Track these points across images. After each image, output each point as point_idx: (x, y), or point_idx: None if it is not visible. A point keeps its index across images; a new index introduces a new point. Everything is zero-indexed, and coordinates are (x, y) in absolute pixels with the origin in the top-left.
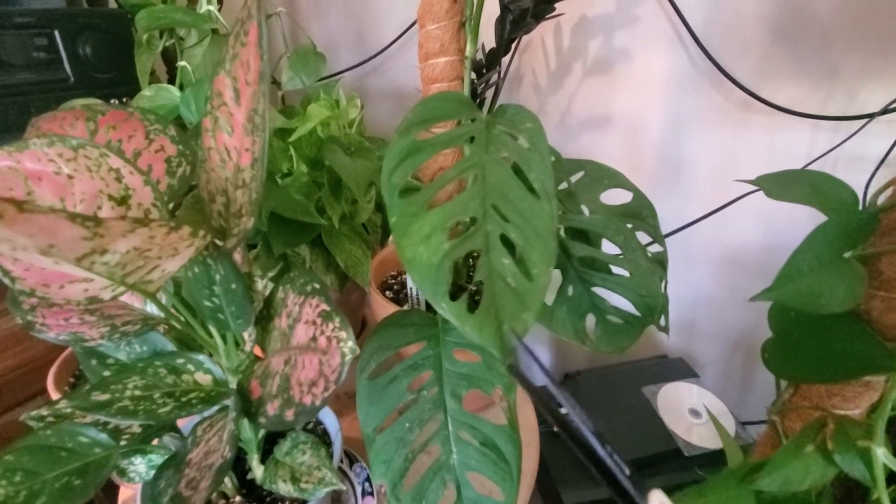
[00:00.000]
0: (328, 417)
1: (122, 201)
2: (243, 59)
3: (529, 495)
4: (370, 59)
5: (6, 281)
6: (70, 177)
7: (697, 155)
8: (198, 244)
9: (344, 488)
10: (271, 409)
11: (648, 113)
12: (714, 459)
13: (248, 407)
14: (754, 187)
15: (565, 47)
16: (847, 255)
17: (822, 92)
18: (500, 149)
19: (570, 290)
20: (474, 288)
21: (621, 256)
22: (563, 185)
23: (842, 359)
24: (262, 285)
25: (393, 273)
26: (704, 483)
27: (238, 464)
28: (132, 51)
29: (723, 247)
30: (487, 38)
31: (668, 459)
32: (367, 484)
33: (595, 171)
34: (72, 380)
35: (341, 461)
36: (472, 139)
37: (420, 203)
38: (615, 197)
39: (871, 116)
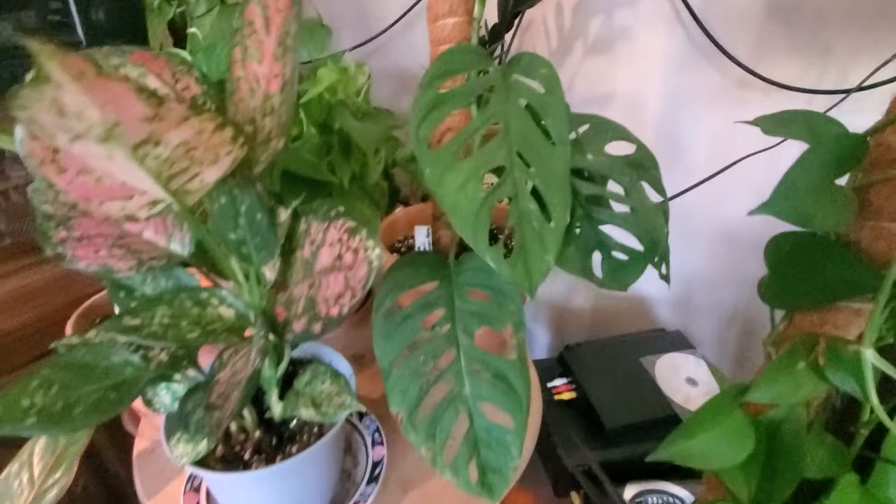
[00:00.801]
0: (341, 363)
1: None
2: None
3: (530, 458)
4: (373, 38)
5: (48, 195)
6: None
7: (696, 131)
8: (236, 153)
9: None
10: (298, 326)
11: (648, 91)
12: None
13: (275, 328)
14: (752, 152)
15: (566, 26)
16: (838, 182)
17: (816, 68)
18: (518, 96)
19: (578, 229)
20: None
21: (626, 196)
22: (571, 136)
23: (833, 284)
24: (285, 217)
25: (400, 237)
26: (695, 415)
27: (256, 404)
28: (143, 17)
29: (720, 223)
30: (491, 14)
31: (667, 425)
32: (376, 435)
33: (600, 124)
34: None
35: (350, 415)
36: (491, 88)
37: (450, 154)
38: (619, 150)
39: (847, 92)
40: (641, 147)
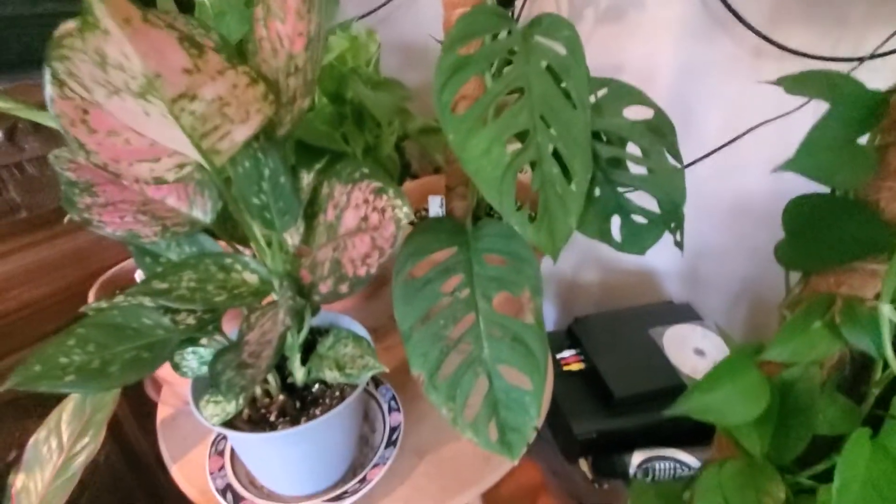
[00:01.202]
0: (359, 329)
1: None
2: None
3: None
4: (379, 8)
5: (79, 156)
6: None
7: (709, 101)
8: (265, 110)
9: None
10: (324, 287)
11: (660, 60)
12: None
13: (301, 290)
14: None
15: None
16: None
17: (831, 37)
18: (540, 59)
19: (598, 191)
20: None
21: (645, 158)
22: (591, 100)
23: (850, 244)
24: (308, 181)
25: (414, 209)
26: (712, 371)
27: (279, 371)
28: None
29: (730, 195)
30: None
31: (675, 394)
32: (392, 402)
33: (618, 88)
34: None
35: (367, 384)
36: (512, 51)
37: (472, 119)
38: (636, 115)
39: (861, 60)
40: (659, 112)
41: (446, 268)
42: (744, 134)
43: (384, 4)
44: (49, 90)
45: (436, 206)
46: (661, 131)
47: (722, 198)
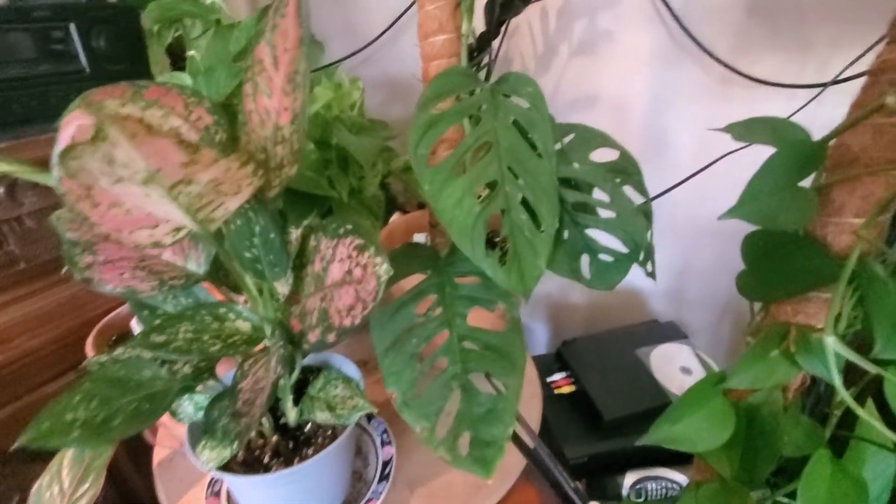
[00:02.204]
0: (351, 369)
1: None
2: (283, 29)
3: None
4: (361, 49)
5: (77, 223)
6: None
7: (680, 129)
8: (256, 183)
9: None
10: (313, 336)
11: (633, 91)
12: None
13: (291, 338)
14: (732, 148)
15: (551, 30)
16: (801, 185)
17: (796, 63)
18: (507, 114)
19: (566, 234)
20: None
21: (609, 202)
22: (557, 146)
23: (803, 276)
24: (296, 236)
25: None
26: (679, 401)
27: (272, 411)
28: (142, 43)
29: (707, 218)
30: (478, 22)
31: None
32: (384, 435)
33: (584, 132)
34: (108, 348)
35: (361, 418)
36: (481, 107)
37: (446, 171)
38: (603, 157)
39: (824, 86)
40: (624, 153)
41: (419, 291)
42: (715, 161)
43: (368, 45)
44: (55, 170)
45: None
46: (626, 171)
47: (700, 220)
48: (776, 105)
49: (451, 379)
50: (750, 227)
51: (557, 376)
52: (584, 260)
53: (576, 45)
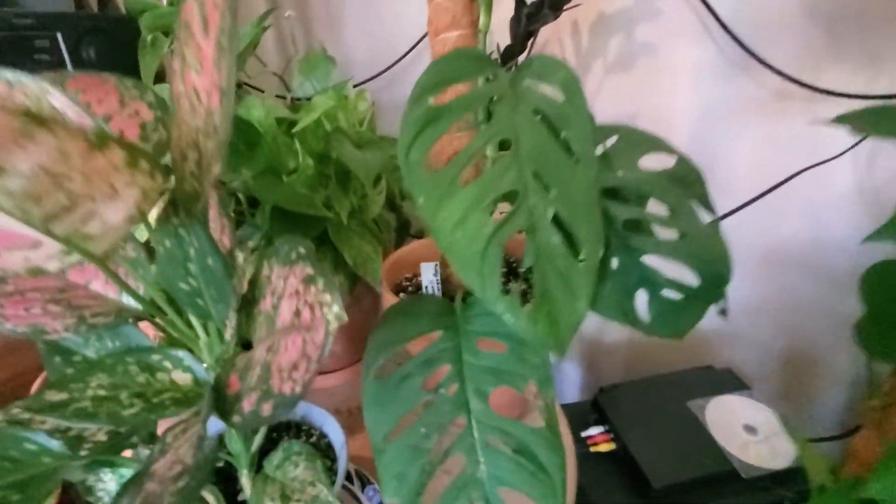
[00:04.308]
0: (333, 429)
1: None
2: None
3: None
4: (383, 72)
5: None
6: None
7: (732, 149)
8: (144, 184)
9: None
10: (248, 404)
11: (676, 109)
12: (778, 481)
13: (223, 405)
14: (798, 168)
15: (584, 46)
16: None
17: (864, 74)
18: (530, 106)
19: (615, 263)
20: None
21: (670, 218)
22: (598, 151)
23: None
24: (242, 259)
25: (408, 275)
26: None
27: (230, 483)
28: (134, 54)
29: (767, 247)
30: (503, 36)
31: (724, 481)
32: None
33: (630, 134)
34: None
35: (351, 482)
36: (496, 98)
37: (447, 179)
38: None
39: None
40: (683, 159)
41: (429, 358)
42: (782, 183)
43: (390, 68)
44: None
45: (429, 275)
46: (686, 181)
47: (756, 249)
48: None
49: (472, 488)
50: (820, 255)
51: (594, 430)
52: (641, 298)
53: (611, 62)
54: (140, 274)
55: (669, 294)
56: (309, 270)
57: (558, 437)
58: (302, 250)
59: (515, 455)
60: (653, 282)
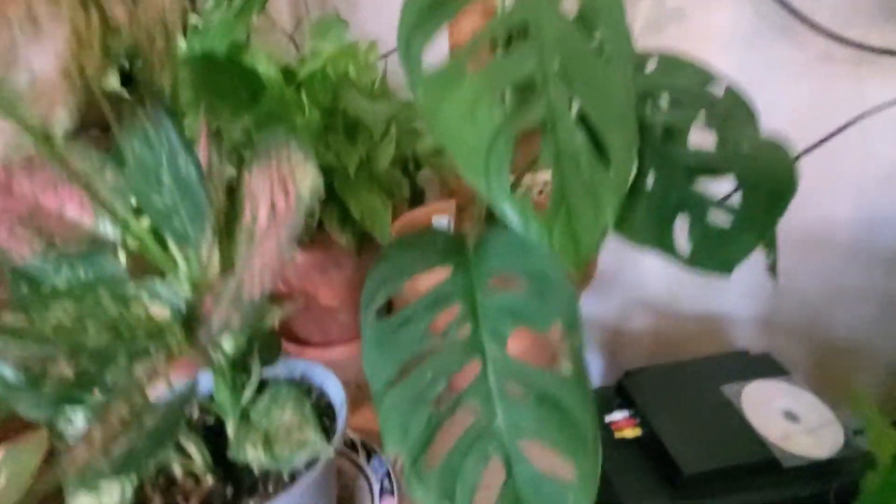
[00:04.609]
0: (333, 387)
1: None
2: None
3: None
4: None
5: None
6: None
7: (773, 116)
8: (74, 18)
9: (331, 454)
10: (217, 318)
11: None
12: (820, 472)
13: (188, 329)
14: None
15: None
16: None
17: None
18: None
19: (651, 180)
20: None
21: (720, 127)
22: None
23: None
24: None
25: None
26: None
27: (215, 439)
28: None
29: (806, 223)
30: None
31: (763, 471)
32: (386, 480)
33: (668, 60)
34: None
35: (356, 452)
36: None
37: (454, 68)
38: None
39: None
40: (731, 91)
41: (437, 297)
42: (826, 139)
43: None
44: None
45: (442, 227)
46: (733, 117)
47: (795, 226)
48: (892, 83)
49: (488, 441)
50: (863, 236)
51: (618, 415)
52: (681, 224)
53: (641, 28)
54: (120, 202)
55: (717, 217)
56: (286, 150)
57: (587, 385)
58: (283, 139)
59: (538, 404)
60: (696, 204)
